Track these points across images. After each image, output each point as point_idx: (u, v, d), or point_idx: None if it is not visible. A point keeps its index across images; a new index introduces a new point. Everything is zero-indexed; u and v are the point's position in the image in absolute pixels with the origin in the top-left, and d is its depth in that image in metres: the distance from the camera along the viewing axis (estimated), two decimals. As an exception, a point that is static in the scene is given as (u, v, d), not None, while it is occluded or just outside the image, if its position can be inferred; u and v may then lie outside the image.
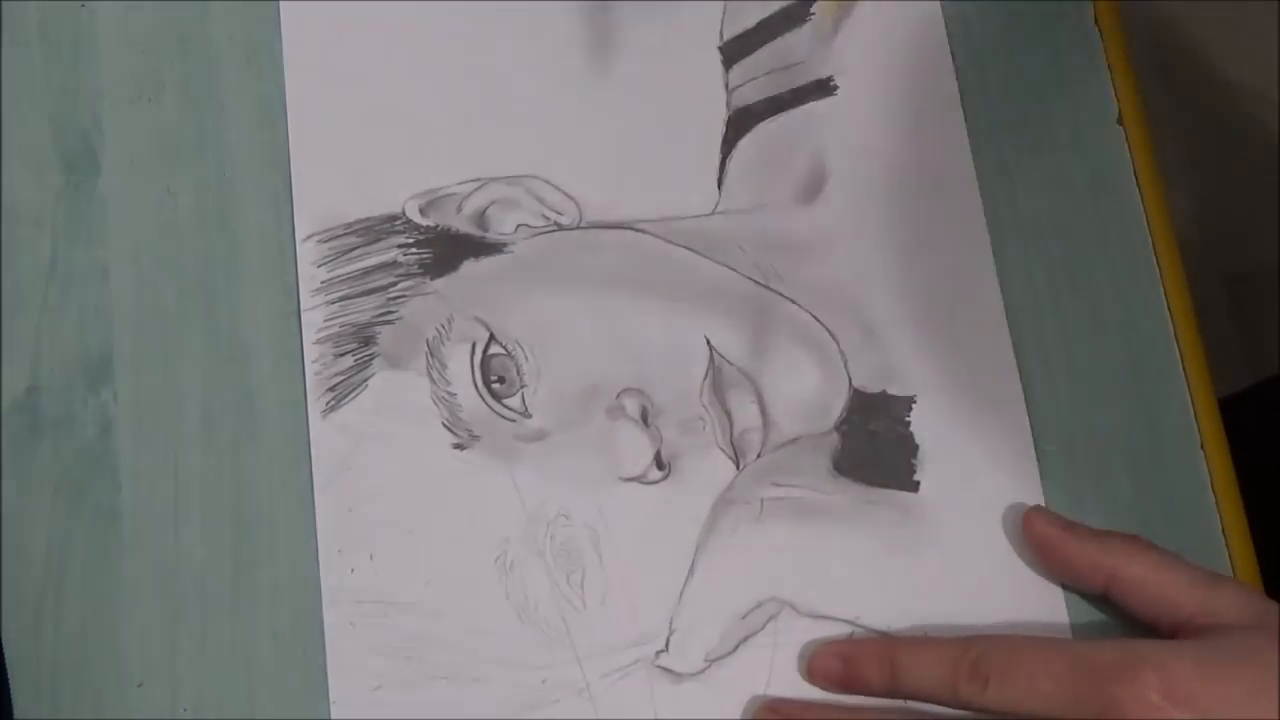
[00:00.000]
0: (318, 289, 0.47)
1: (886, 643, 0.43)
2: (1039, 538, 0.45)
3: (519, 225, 0.49)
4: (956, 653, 0.41)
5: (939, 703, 0.41)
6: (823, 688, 0.44)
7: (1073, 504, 0.46)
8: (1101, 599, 0.44)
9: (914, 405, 0.47)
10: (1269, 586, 0.46)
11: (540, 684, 0.44)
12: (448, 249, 0.48)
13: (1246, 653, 0.39)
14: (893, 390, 0.47)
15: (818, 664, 0.44)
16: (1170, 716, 0.37)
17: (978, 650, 0.41)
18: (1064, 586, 0.45)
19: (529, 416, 0.46)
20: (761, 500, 0.46)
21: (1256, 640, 0.39)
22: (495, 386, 0.47)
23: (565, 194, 0.49)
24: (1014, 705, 0.40)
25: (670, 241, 0.48)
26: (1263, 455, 0.52)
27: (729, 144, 0.49)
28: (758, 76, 0.50)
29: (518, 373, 0.47)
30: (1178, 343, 0.48)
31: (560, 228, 0.49)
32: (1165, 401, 0.47)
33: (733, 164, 0.49)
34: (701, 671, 0.44)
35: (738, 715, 0.44)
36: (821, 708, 0.43)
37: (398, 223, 0.48)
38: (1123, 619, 0.44)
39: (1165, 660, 0.39)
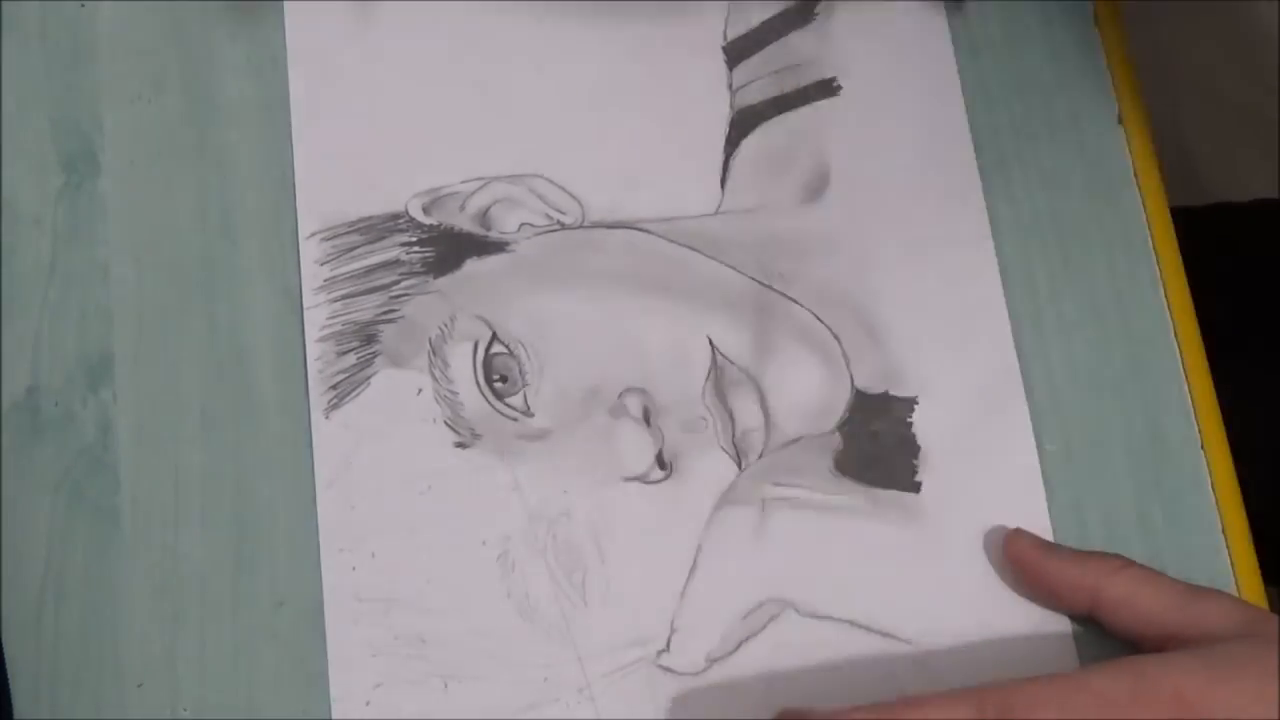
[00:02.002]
0: (320, 287, 0.47)
1: (882, 710, 0.40)
2: (1019, 561, 0.44)
3: (522, 224, 0.49)
4: (970, 712, 0.39)
5: None
6: None
7: (1073, 504, 0.46)
8: (1086, 619, 0.44)
9: (916, 406, 0.47)
10: (1269, 586, 0.46)
11: (541, 683, 0.44)
12: (450, 248, 0.48)
13: (1245, 660, 0.39)
14: (895, 391, 0.47)
15: None
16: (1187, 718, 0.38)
17: (995, 704, 0.39)
18: (1048, 608, 0.44)
19: (531, 415, 0.46)
20: (763, 500, 0.46)
21: (1252, 648, 0.40)
22: (497, 385, 0.47)
23: (568, 193, 0.49)
24: None
25: (673, 241, 0.48)
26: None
27: (732, 144, 0.49)
28: (761, 76, 0.50)
29: (520, 371, 0.47)
30: (1178, 343, 0.48)
31: (563, 227, 0.49)
32: (1165, 401, 0.47)
33: (736, 164, 0.49)
34: (702, 671, 0.44)
35: (738, 715, 0.44)
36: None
37: (401, 221, 0.48)
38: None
39: (1178, 678, 0.39)
